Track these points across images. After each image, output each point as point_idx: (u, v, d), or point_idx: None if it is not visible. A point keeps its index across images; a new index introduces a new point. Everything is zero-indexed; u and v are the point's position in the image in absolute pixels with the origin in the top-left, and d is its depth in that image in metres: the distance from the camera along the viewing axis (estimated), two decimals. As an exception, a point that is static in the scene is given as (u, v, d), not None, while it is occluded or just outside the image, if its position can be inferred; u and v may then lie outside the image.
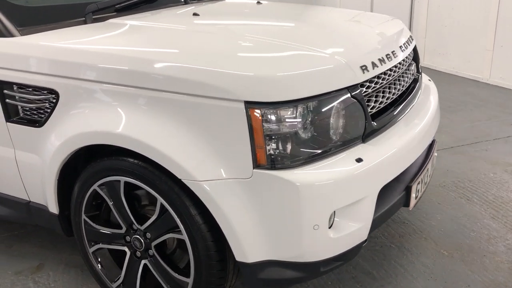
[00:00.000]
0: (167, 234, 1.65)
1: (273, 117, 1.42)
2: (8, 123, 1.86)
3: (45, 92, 1.73)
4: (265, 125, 1.41)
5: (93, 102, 1.63)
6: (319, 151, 1.49)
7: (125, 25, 1.97)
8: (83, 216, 1.83)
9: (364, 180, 1.52)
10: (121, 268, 1.84)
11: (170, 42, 1.75)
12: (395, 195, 1.74)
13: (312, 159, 1.48)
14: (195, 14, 2.12)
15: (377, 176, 1.57)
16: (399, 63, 1.90)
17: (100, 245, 1.86)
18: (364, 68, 1.63)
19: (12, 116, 1.85)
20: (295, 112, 1.42)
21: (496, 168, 3.03)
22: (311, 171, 1.45)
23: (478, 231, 2.35)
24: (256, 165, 1.44)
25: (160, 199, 1.58)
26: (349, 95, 1.54)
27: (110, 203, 1.73)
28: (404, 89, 1.96)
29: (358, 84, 1.59)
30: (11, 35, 1.81)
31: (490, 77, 5.07)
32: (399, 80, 1.91)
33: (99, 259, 1.89)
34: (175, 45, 1.71)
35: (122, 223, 1.75)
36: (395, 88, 1.86)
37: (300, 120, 1.44)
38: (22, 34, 1.81)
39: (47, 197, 1.89)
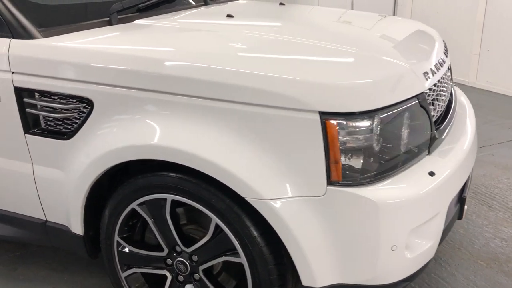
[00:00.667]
0: (220, 257, 1.50)
1: (350, 129, 1.30)
2: (27, 135, 1.66)
3: (74, 100, 1.54)
4: (341, 138, 1.29)
5: (138, 113, 1.45)
6: (392, 164, 1.38)
7: (160, 27, 1.80)
8: (116, 238, 1.65)
9: (438, 194, 1.43)
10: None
11: (223, 47, 1.59)
12: (453, 208, 1.66)
13: (385, 174, 1.37)
14: (229, 16, 1.97)
15: (448, 189, 1.49)
16: (446, 70, 1.83)
17: (135, 269, 1.68)
18: (426, 75, 1.54)
19: (32, 127, 1.64)
20: (372, 123, 1.31)
21: (507, 173, 3.03)
22: (388, 187, 1.34)
23: (508, 239, 2.32)
24: (330, 181, 1.31)
25: (215, 219, 1.43)
26: (418, 103, 1.45)
27: (151, 223, 1.56)
28: (448, 98, 1.89)
29: (424, 91, 1.49)
30: (31, 36, 1.60)
31: (477, 81, 5.14)
32: (445, 88, 1.84)
33: (132, 285, 1.71)
34: (231, 50, 1.56)
35: (164, 244, 1.58)
36: (444, 96, 1.78)
37: (377, 131, 1.32)
38: (44, 36, 1.61)
39: (71, 217, 1.69)
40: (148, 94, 1.43)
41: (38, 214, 1.81)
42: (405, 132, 1.41)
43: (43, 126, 1.64)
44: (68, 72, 1.53)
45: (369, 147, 1.32)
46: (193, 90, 1.37)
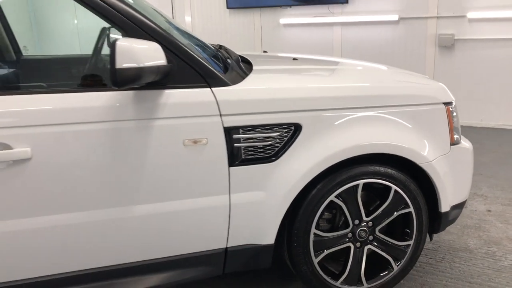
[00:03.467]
0: (393, 215, 2.19)
1: (453, 111, 2.27)
2: (231, 168, 1.92)
3: (277, 128, 1.95)
4: (452, 117, 2.25)
5: (343, 125, 2.02)
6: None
7: (301, 69, 2.43)
8: (313, 231, 2.09)
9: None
10: (343, 265, 2.19)
11: (371, 75, 2.40)
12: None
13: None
14: (295, 59, 2.60)
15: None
16: None
17: (325, 252, 2.14)
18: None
19: (235, 159, 1.92)
20: (455, 109, 2.31)
21: None
22: (467, 142, 2.37)
23: None
24: (451, 144, 2.24)
25: (395, 187, 2.13)
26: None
27: (345, 207, 2.11)
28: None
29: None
30: (225, 84, 1.91)
31: None
32: None
33: (321, 266, 2.16)
34: (378, 77, 2.36)
35: (351, 221, 2.14)
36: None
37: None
38: (232, 83, 1.94)
39: (264, 230, 2.03)
40: (343, 112, 2.03)
41: (219, 245, 2.02)
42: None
43: (243, 157, 1.94)
44: (277, 106, 1.94)
45: (457, 121, 2.32)
46: (378, 102, 2.07)
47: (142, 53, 1.65)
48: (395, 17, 5.66)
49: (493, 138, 4.91)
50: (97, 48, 2.52)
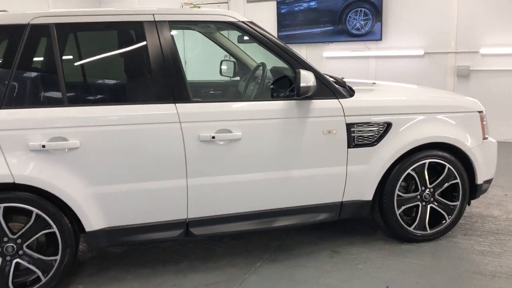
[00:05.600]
0: (446, 183, 3.34)
1: (484, 117, 3.45)
2: (348, 149, 3.10)
3: (376, 124, 3.13)
4: (483, 121, 3.43)
5: (416, 123, 3.20)
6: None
7: (387, 89, 3.64)
8: (396, 192, 3.24)
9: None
10: (413, 216, 3.34)
11: (429, 92, 3.59)
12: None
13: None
14: (374, 83, 3.82)
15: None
16: None
17: (402, 208, 3.29)
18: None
19: (351, 144, 3.10)
20: (485, 116, 3.50)
21: None
22: (492, 138, 3.55)
23: None
24: (483, 138, 3.42)
25: (448, 165, 3.30)
26: (476, 109, 3.74)
27: (417, 177, 3.26)
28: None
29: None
30: (345, 97, 3.10)
31: None
32: None
33: (402, 217, 3.31)
34: (434, 93, 3.57)
35: (420, 187, 3.30)
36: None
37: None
38: (349, 96, 3.13)
39: (366, 190, 3.19)
40: (422, 116, 3.21)
41: (337, 199, 3.17)
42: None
43: (355, 142, 3.12)
44: (377, 110, 3.12)
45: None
46: (443, 109, 3.27)
47: (309, 78, 2.86)
48: (421, 52, 6.92)
49: (503, 149, 6.07)
50: (256, 75, 3.73)
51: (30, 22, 2.67)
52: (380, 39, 7.08)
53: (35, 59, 2.76)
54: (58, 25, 2.73)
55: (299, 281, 2.91)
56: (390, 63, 7.19)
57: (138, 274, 3.05)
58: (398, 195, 3.27)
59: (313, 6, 7.36)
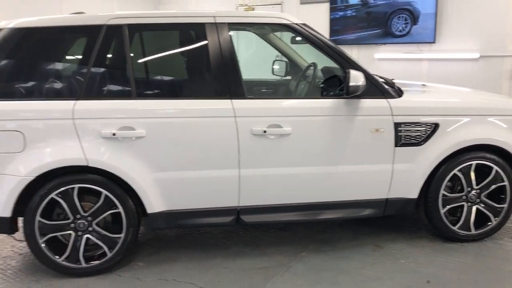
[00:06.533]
0: (493, 185, 3.35)
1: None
2: (396, 148, 3.20)
3: (429, 125, 3.22)
4: None
5: (463, 125, 3.25)
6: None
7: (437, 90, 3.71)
8: (441, 192, 3.31)
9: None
10: (458, 216, 3.39)
11: (479, 95, 3.65)
12: None
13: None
14: (424, 85, 3.89)
15: None
16: None
17: (447, 207, 3.35)
18: None
19: (398, 143, 3.20)
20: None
21: None
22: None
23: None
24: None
25: (495, 167, 3.32)
26: None
27: (462, 179, 3.32)
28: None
29: None
30: (394, 97, 3.21)
31: None
32: None
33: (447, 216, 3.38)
34: (483, 96, 3.63)
35: (465, 188, 3.35)
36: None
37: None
38: (398, 96, 3.24)
39: (412, 188, 3.27)
40: (462, 117, 3.26)
41: (383, 195, 3.28)
42: None
43: (402, 141, 3.22)
44: (425, 111, 3.21)
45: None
46: (493, 112, 3.31)
47: (359, 77, 2.99)
48: (476, 55, 6.80)
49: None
50: (307, 74, 3.90)
51: (107, 23, 2.98)
52: (434, 42, 7.03)
53: (108, 56, 3.08)
54: (130, 26, 3.02)
55: (343, 271, 3.05)
56: (443, 66, 7.12)
57: (192, 256, 3.30)
58: (443, 194, 3.34)
59: (364, 11, 7.62)
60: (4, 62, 2.93)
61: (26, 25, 2.96)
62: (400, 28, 7.33)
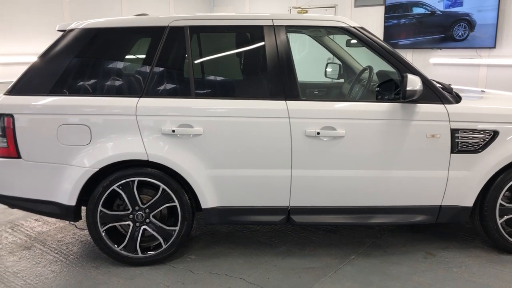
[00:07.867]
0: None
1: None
2: (452, 154, 3.14)
3: (487, 132, 3.13)
4: None
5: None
6: None
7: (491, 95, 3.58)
8: (499, 201, 3.21)
9: None
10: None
11: None
12: None
13: None
14: (483, 91, 3.79)
15: None
16: None
17: (504, 218, 3.24)
18: None
19: (455, 149, 3.14)
20: None
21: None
22: None
23: None
24: None
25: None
26: None
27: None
28: None
29: None
30: (450, 102, 3.15)
31: None
32: None
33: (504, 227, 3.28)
34: None
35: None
36: None
37: None
38: (455, 102, 3.17)
39: (467, 196, 3.19)
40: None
41: (437, 202, 3.22)
42: None
43: (459, 148, 3.15)
44: (484, 118, 3.13)
45: None
46: None
47: (416, 82, 2.97)
48: (539, 61, 6.53)
49: None
50: (362, 77, 3.90)
51: (170, 24, 3.12)
52: (494, 47, 6.79)
53: (170, 56, 3.21)
54: (192, 27, 3.15)
55: (393, 276, 3.03)
56: (504, 72, 6.86)
57: (242, 252, 3.38)
58: (501, 204, 3.24)
59: (421, 18, 7.45)
60: (75, 60, 3.12)
61: (96, 25, 3.15)
62: (460, 33, 7.16)
